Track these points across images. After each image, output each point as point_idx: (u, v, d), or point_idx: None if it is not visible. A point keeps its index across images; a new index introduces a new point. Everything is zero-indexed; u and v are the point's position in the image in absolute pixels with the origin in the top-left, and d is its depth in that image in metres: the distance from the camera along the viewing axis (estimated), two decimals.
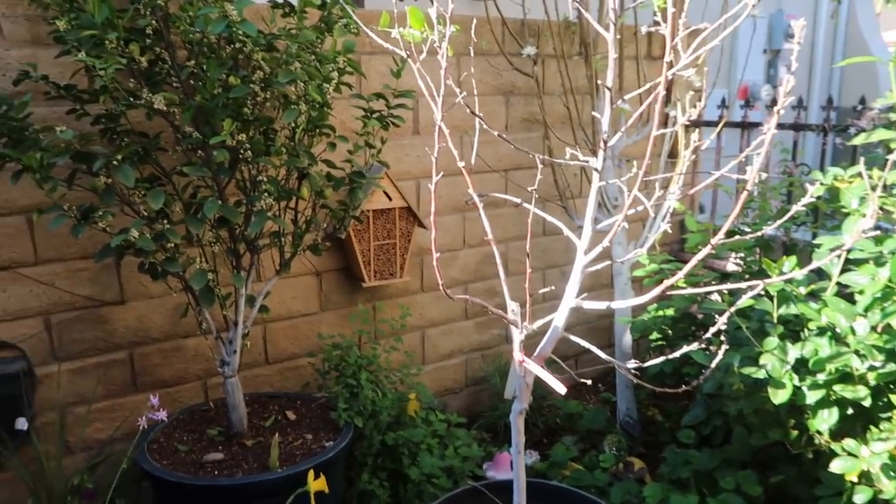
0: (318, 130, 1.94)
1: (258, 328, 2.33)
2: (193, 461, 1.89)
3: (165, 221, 1.72)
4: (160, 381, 2.18)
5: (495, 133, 1.37)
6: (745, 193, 0.88)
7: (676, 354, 1.31)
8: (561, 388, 1.25)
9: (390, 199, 2.37)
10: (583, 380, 1.51)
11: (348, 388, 2.13)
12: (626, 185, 1.26)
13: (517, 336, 1.36)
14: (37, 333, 1.95)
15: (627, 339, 2.73)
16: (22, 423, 1.86)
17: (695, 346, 1.34)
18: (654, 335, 2.50)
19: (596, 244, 1.28)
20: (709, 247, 1.02)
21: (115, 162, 1.62)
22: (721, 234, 0.93)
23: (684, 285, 2.24)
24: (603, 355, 1.33)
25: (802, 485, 1.87)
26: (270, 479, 1.77)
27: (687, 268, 1.08)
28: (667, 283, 1.16)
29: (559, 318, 1.34)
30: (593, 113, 1.48)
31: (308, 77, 1.75)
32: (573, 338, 1.37)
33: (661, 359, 1.36)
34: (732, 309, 1.16)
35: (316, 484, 1.61)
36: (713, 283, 2.49)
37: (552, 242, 2.94)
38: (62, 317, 1.99)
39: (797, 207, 1.05)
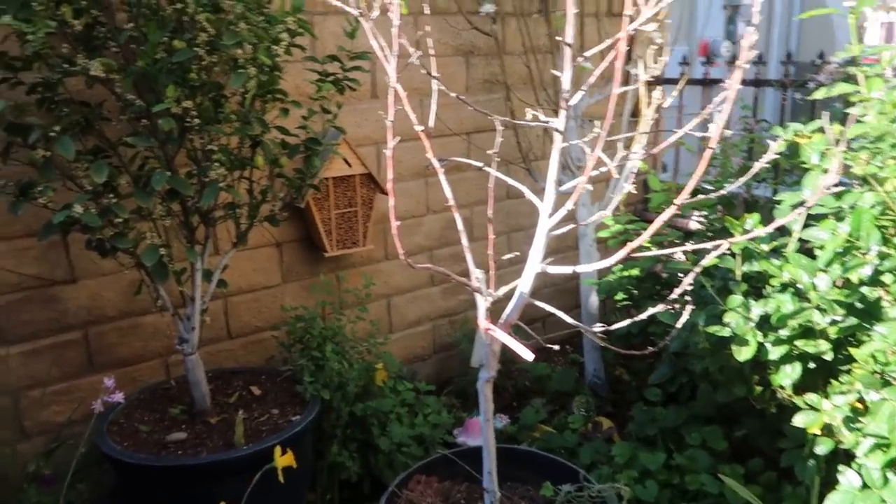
0: (270, 96, 1.86)
1: (219, 303, 2.26)
2: (156, 441, 1.84)
3: (112, 196, 1.64)
4: (118, 361, 2.11)
5: (454, 95, 1.32)
6: (708, 151, 0.86)
7: (643, 316, 1.30)
8: (528, 355, 1.23)
9: (350, 165, 2.30)
10: (549, 345, 1.49)
11: (314, 361, 2.09)
12: (588, 146, 1.23)
13: (482, 304, 1.33)
14: None
15: (594, 300, 2.74)
16: None
17: (661, 307, 1.33)
18: (620, 295, 2.51)
19: (560, 206, 1.24)
20: (673, 207, 1.00)
21: (52, 133, 1.53)
22: (685, 194, 0.91)
23: (649, 246, 2.24)
24: (569, 319, 1.30)
25: (766, 438, 1.90)
26: (235, 457, 1.74)
27: (652, 229, 1.06)
28: (631, 245, 1.14)
29: (524, 284, 1.32)
30: (553, 72, 1.44)
31: (256, 39, 1.67)
32: (538, 303, 1.35)
33: (627, 321, 1.35)
34: (697, 269, 1.14)
35: (283, 460, 1.58)
36: (677, 242, 2.49)
37: (517, 206, 2.91)
38: (9, 298, 1.90)
39: (760, 164, 1.03)
